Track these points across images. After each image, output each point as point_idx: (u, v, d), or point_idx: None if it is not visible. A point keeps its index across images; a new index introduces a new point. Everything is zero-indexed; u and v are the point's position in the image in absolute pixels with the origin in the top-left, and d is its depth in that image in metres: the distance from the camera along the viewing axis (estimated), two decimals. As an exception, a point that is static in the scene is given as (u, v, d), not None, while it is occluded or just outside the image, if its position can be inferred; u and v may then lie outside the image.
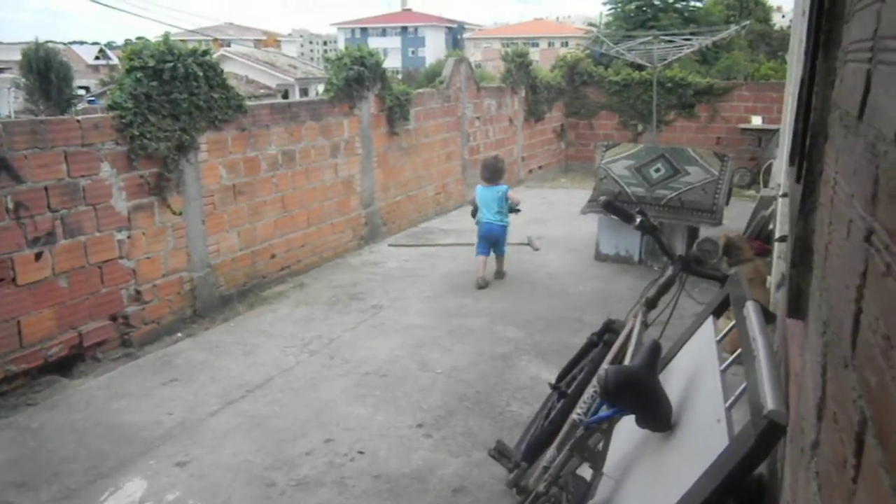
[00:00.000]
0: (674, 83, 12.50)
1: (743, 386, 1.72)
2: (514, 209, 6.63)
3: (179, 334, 5.35)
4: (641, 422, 2.01)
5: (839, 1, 1.36)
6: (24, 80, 23.99)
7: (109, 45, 56.63)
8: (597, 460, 2.37)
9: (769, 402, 1.45)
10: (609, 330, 3.24)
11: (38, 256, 4.35)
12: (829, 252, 1.11)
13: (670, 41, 12.90)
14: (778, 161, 7.42)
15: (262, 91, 23.93)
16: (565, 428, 2.82)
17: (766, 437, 1.42)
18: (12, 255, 4.21)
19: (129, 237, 4.96)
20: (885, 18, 0.79)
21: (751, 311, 1.98)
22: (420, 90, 9.02)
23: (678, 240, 6.65)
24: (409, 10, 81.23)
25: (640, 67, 13.23)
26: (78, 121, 4.62)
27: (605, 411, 2.24)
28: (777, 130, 9.79)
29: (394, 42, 73.28)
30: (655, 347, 2.05)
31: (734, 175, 8.25)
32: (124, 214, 4.92)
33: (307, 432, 3.90)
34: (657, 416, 1.97)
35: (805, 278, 1.45)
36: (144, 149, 4.94)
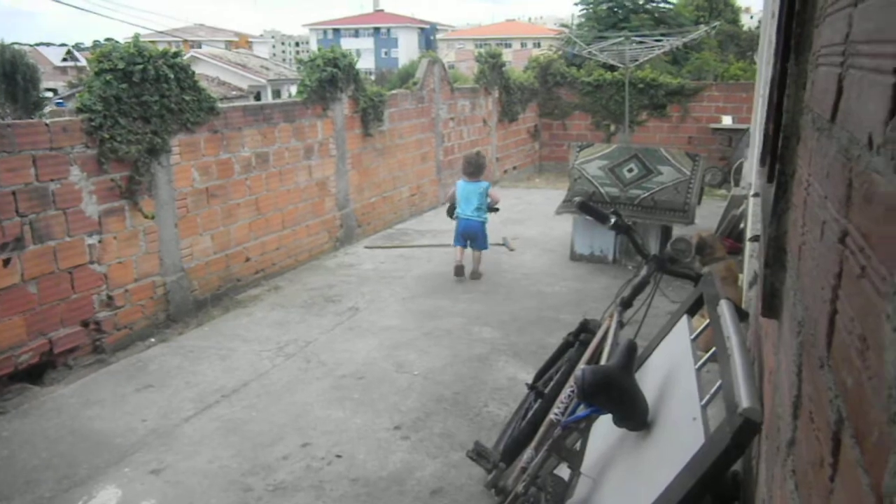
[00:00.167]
0: (645, 84, 12.63)
1: (718, 384, 1.74)
2: (492, 208, 6.65)
3: (153, 339, 5.28)
4: (618, 421, 2.02)
5: (810, 4, 1.37)
6: (-11, 82, 23.61)
7: (77, 47, 55.66)
8: (574, 460, 2.38)
9: (744, 400, 1.47)
10: (585, 330, 3.26)
11: (7, 262, 4.26)
12: (803, 253, 1.13)
13: (641, 42, 13.00)
14: (748, 160, 7.53)
15: (234, 93, 23.77)
16: (543, 428, 2.83)
17: (741, 434, 1.44)
18: (-21, 261, 4.12)
19: (100, 242, 4.88)
20: (856, 23, 0.80)
21: (724, 309, 2.01)
22: (394, 91, 9.00)
23: (652, 239, 6.71)
24: (381, 10, 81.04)
25: (612, 68, 13.34)
26: (46, 124, 4.53)
27: (582, 411, 2.25)
28: (747, 130, 9.93)
29: (367, 43, 73.13)
30: (631, 347, 2.07)
31: (705, 174, 8.36)
32: (95, 219, 4.84)
33: (284, 436, 3.87)
34: (634, 415, 1.99)
35: (779, 277, 1.47)
36: (115, 152, 4.87)
